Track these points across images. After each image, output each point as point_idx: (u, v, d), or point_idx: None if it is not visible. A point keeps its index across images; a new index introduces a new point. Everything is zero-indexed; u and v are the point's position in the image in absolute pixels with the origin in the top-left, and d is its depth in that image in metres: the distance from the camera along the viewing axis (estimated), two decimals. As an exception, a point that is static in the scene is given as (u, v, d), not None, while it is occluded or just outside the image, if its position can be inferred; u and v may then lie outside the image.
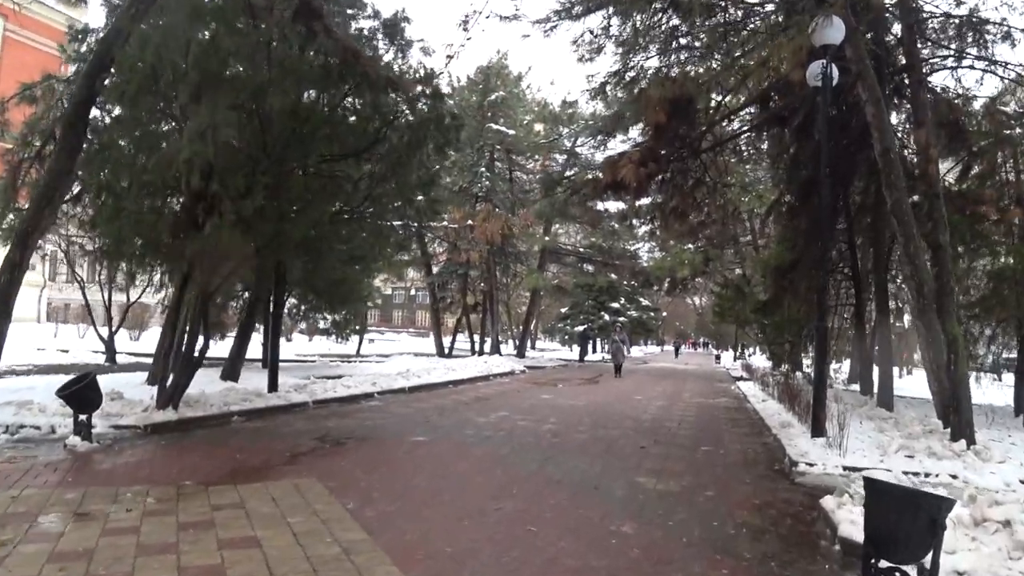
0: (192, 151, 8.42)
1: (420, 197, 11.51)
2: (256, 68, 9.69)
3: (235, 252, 10.51)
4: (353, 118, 10.83)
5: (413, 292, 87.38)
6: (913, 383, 25.33)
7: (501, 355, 34.33)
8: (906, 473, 7.70)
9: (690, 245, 30.30)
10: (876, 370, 17.36)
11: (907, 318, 29.05)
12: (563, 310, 54.86)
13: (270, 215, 9.29)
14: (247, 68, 9.71)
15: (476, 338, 35.34)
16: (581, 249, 40.52)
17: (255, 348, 23.36)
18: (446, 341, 31.67)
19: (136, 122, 9.03)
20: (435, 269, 31.04)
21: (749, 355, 58.87)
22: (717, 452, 9.37)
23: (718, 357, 54.85)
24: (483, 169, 29.03)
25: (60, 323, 37.20)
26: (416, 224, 16.45)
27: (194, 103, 8.46)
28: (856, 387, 21.49)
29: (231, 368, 16.07)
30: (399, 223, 17.95)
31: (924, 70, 12.92)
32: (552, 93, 47.27)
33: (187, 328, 10.49)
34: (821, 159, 10.42)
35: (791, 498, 6.72)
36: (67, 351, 22.34)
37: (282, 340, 25.66)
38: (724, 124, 15.47)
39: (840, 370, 22.77)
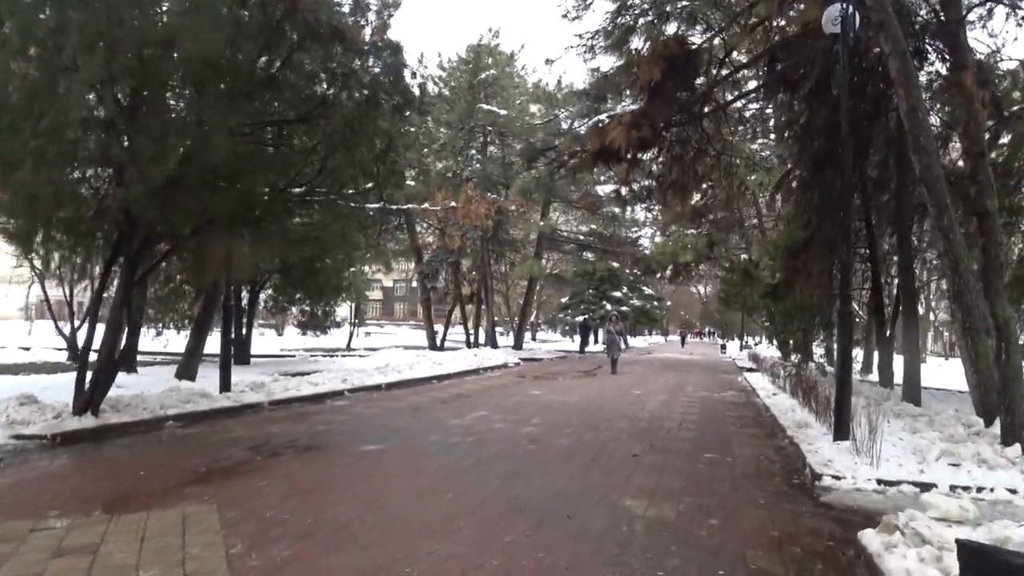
0: (86, 108, 6.99)
1: (378, 168, 9.95)
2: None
3: (162, 232, 9.12)
4: (296, 77, 9.27)
5: (415, 285, 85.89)
6: (928, 372, 23.79)
7: (498, 347, 32.91)
8: (954, 488, 6.26)
9: (692, 230, 28.80)
10: (894, 360, 15.92)
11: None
12: (563, 300, 53.44)
13: (192, 185, 7.86)
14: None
15: (472, 330, 33.92)
16: (580, 236, 39.00)
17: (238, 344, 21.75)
18: (438, 333, 30.18)
19: (25, 79, 7.57)
20: (426, 258, 29.54)
21: (755, 344, 57.35)
22: (723, 460, 7.91)
23: (724, 347, 53.35)
24: (474, 152, 27.54)
25: (43, 320, 35.80)
26: (384, 203, 14.87)
27: (87, 53, 7.00)
28: (873, 377, 20.03)
29: (186, 366, 14.69)
30: (375, 205, 16.52)
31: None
32: (547, 73, 45.44)
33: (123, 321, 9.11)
34: (841, 113, 8.95)
35: (818, 527, 5.26)
36: (28, 349, 20.97)
37: (273, 334, 24.22)
38: (727, 89, 13.98)
39: (854, 359, 21.24)
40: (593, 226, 40.08)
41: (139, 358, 19.20)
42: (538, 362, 27.19)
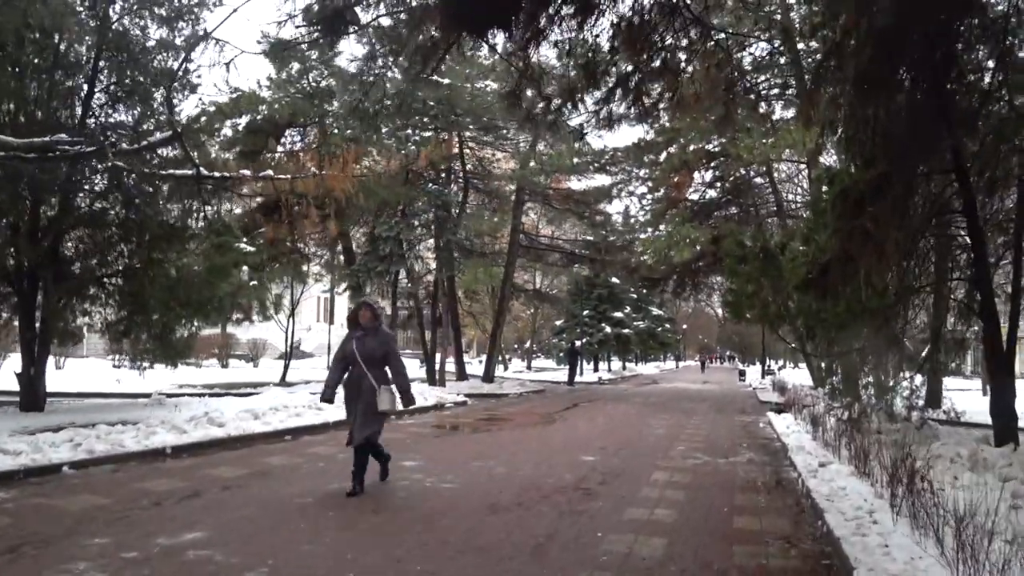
0: None
1: None
2: None
3: None
4: None
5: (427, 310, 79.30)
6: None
7: (466, 378, 26.62)
8: None
9: (691, 224, 22.54)
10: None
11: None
12: (559, 323, 47.10)
13: None
14: None
15: (442, 357, 27.47)
16: (563, 244, 32.86)
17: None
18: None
19: None
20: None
21: (778, 368, 50.49)
22: None
23: (742, 373, 46.60)
24: (411, 131, 21.36)
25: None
26: (197, 168, 8.80)
27: None
28: (972, 416, 13.45)
29: None
30: (186, 172, 10.43)
31: None
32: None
33: None
34: None
35: None
36: None
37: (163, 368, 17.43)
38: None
39: (918, 389, 14.49)
40: (589, 238, 33.96)
41: None
42: (495, 400, 20.80)
